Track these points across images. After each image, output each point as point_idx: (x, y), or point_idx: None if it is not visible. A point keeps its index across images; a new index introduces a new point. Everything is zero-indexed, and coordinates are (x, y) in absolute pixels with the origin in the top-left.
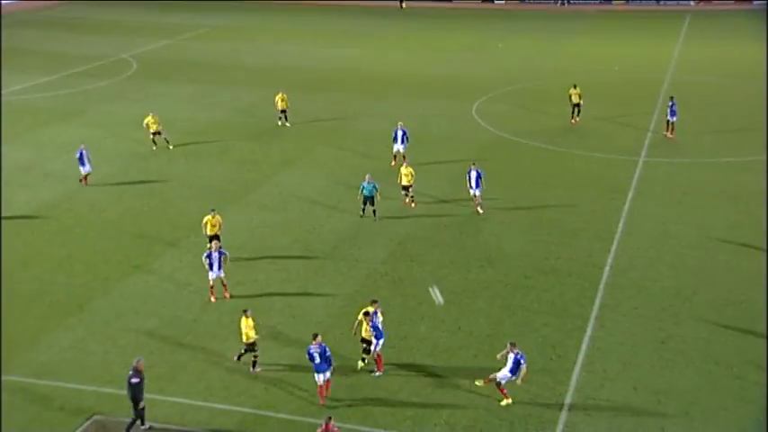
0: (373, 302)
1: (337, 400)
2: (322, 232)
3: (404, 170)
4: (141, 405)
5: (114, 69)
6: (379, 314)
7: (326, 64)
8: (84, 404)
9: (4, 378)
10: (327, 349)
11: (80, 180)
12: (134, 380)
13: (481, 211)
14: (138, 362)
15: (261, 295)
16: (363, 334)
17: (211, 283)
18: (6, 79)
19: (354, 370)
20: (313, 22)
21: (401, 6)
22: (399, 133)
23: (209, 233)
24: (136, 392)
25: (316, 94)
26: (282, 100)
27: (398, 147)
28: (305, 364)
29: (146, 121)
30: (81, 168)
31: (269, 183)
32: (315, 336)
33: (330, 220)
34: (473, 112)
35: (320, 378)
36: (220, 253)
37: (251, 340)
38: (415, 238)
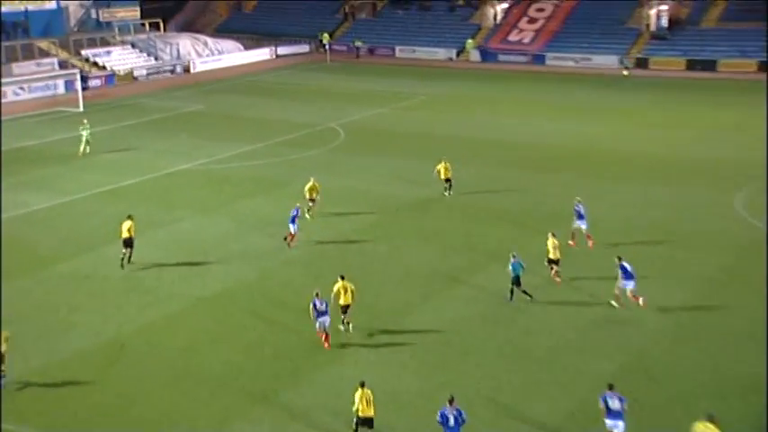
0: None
1: None
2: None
3: (551, 242)
4: None
5: (321, 139)
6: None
7: (554, 139)
8: None
9: None
10: (463, 413)
11: (285, 239)
12: None
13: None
14: None
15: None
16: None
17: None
18: (210, 147)
19: None
20: (548, 92)
21: (624, 73)
22: (579, 210)
23: None
24: None
25: (541, 173)
26: None
27: (579, 223)
28: None
29: (307, 187)
30: (291, 227)
31: (480, 272)
32: (451, 400)
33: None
34: (735, 204)
35: None
36: None
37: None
38: (653, 351)
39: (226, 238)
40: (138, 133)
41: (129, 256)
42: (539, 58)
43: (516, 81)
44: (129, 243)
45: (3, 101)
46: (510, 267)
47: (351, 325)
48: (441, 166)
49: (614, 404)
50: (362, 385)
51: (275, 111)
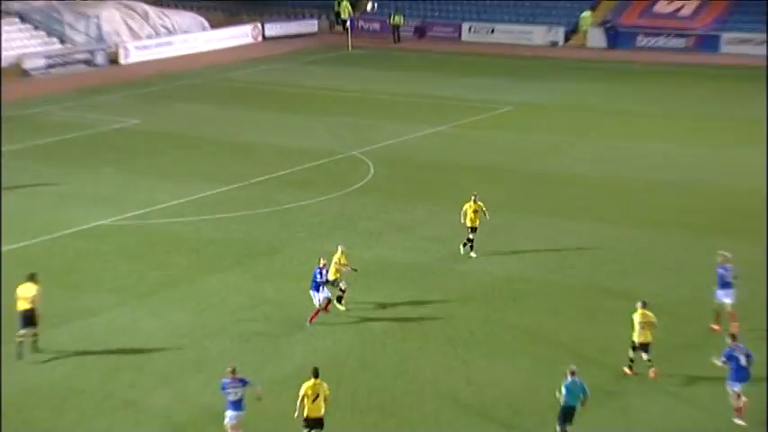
0: None
1: None
2: None
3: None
4: None
5: (336, 175)
6: None
7: (740, 181)
8: None
9: None
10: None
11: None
12: None
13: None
14: None
15: None
16: None
17: None
18: (151, 189)
19: None
20: (727, 100)
21: None
22: (724, 275)
23: None
24: None
25: (716, 236)
26: None
27: (722, 295)
28: None
29: (335, 261)
30: (316, 297)
31: None
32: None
33: None
34: None
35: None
36: None
37: None
38: None
39: (174, 340)
40: (28, 165)
41: (35, 341)
42: (708, 42)
43: (669, 80)
44: (29, 320)
45: None
46: (562, 392)
47: None
48: (468, 207)
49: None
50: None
51: (261, 130)
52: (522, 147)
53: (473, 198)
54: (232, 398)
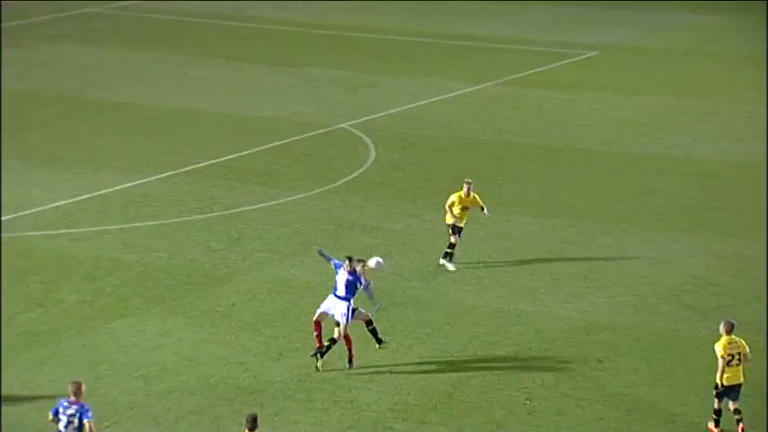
0: None
1: None
2: None
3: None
4: None
5: (318, 161)
6: None
7: None
8: None
9: None
10: None
11: (316, 356)
12: None
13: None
14: None
15: None
16: None
17: None
18: (22, 183)
19: None
20: None
21: None
22: None
23: None
24: None
25: None
26: None
27: None
28: None
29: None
30: (341, 323)
31: None
32: None
33: None
34: None
35: None
36: None
37: None
38: None
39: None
40: None
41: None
42: None
43: None
44: None
45: None
46: None
47: None
48: (457, 199)
49: None
50: None
51: (196, 90)
52: (610, 116)
53: (466, 186)
54: None
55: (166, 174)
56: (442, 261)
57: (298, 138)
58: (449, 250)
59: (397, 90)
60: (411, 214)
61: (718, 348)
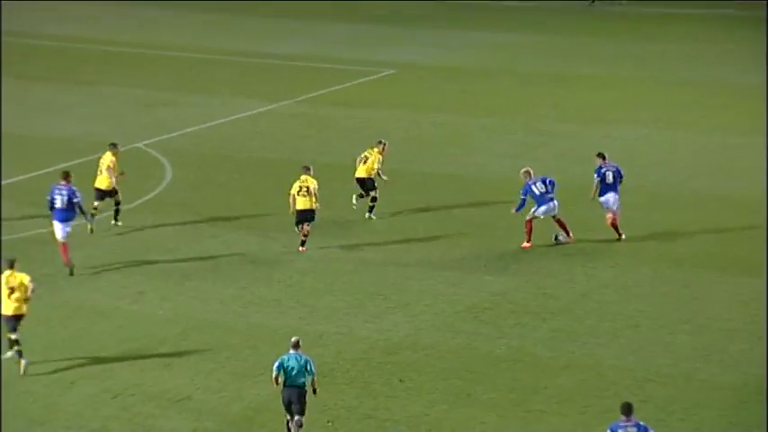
0: None
1: None
2: None
3: None
4: None
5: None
6: None
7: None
8: None
9: None
10: None
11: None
12: None
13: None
14: None
15: None
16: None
17: None
18: None
19: None
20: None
21: None
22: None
23: None
24: None
25: None
26: None
27: None
28: None
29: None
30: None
31: None
32: None
33: None
34: None
35: None
36: None
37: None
38: None
39: None
40: None
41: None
42: None
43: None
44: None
45: None
46: None
47: None
48: (370, 154)
49: None
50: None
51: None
52: (413, 134)
53: (381, 145)
54: None
55: None
56: (356, 203)
57: (90, 158)
58: (363, 197)
59: (194, 108)
60: (209, 235)
61: None
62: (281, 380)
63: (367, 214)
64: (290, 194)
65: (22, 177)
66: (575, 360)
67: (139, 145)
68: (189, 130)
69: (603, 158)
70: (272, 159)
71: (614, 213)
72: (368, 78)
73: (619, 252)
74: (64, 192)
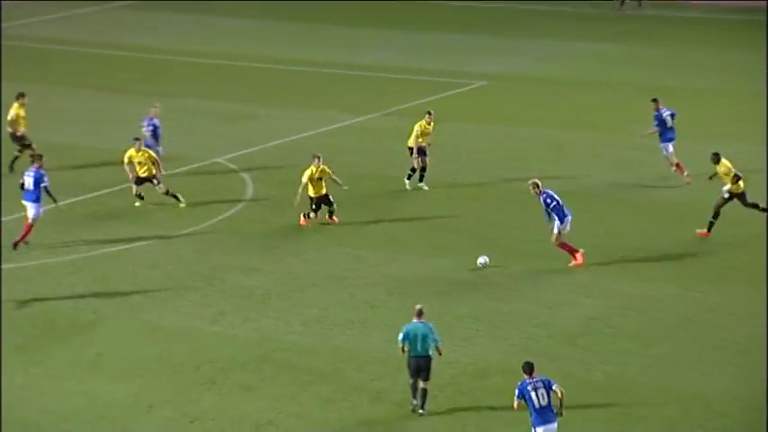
0: None
1: None
2: None
3: None
4: None
5: (190, 195)
6: None
7: None
8: None
9: None
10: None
11: None
12: None
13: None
14: None
15: None
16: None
17: None
18: None
19: None
20: None
21: None
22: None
23: None
24: None
25: None
26: None
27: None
28: None
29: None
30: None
31: None
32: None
33: None
34: None
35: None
36: None
37: None
38: None
39: None
40: None
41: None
42: None
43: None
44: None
45: None
46: None
47: None
48: (419, 126)
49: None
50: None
51: (61, 121)
52: (506, 146)
53: (428, 117)
54: None
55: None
56: (408, 184)
57: (169, 173)
58: (421, 173)
59: (276, 122)
60: (291, 253)
61: None
62: (406, 348)
63: (419, 183)
64: (301, 184)
65: (98, 193)
66: (678, 389)
67: (220, 160)
68: (271, 144)
69: (657, 103)
70: (359, 174)
71: (672, 156)
72: (458, 90)
73: (727, 275)
74: (32, 174)
